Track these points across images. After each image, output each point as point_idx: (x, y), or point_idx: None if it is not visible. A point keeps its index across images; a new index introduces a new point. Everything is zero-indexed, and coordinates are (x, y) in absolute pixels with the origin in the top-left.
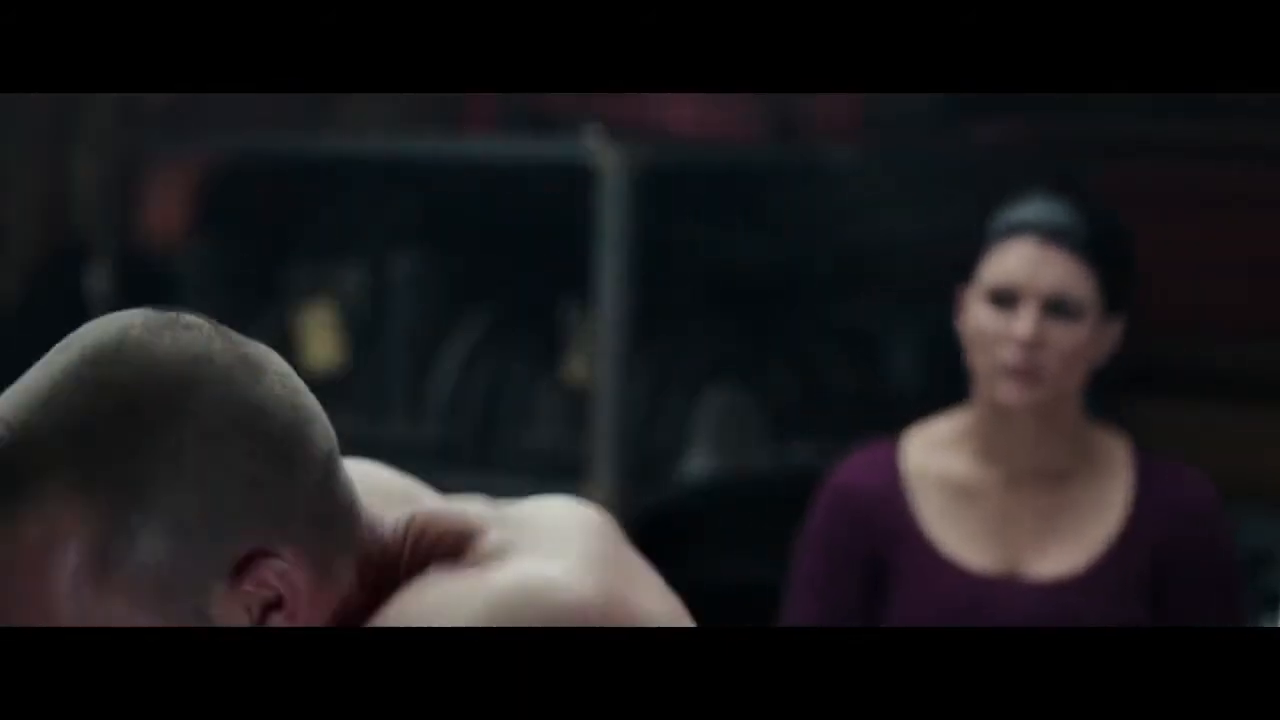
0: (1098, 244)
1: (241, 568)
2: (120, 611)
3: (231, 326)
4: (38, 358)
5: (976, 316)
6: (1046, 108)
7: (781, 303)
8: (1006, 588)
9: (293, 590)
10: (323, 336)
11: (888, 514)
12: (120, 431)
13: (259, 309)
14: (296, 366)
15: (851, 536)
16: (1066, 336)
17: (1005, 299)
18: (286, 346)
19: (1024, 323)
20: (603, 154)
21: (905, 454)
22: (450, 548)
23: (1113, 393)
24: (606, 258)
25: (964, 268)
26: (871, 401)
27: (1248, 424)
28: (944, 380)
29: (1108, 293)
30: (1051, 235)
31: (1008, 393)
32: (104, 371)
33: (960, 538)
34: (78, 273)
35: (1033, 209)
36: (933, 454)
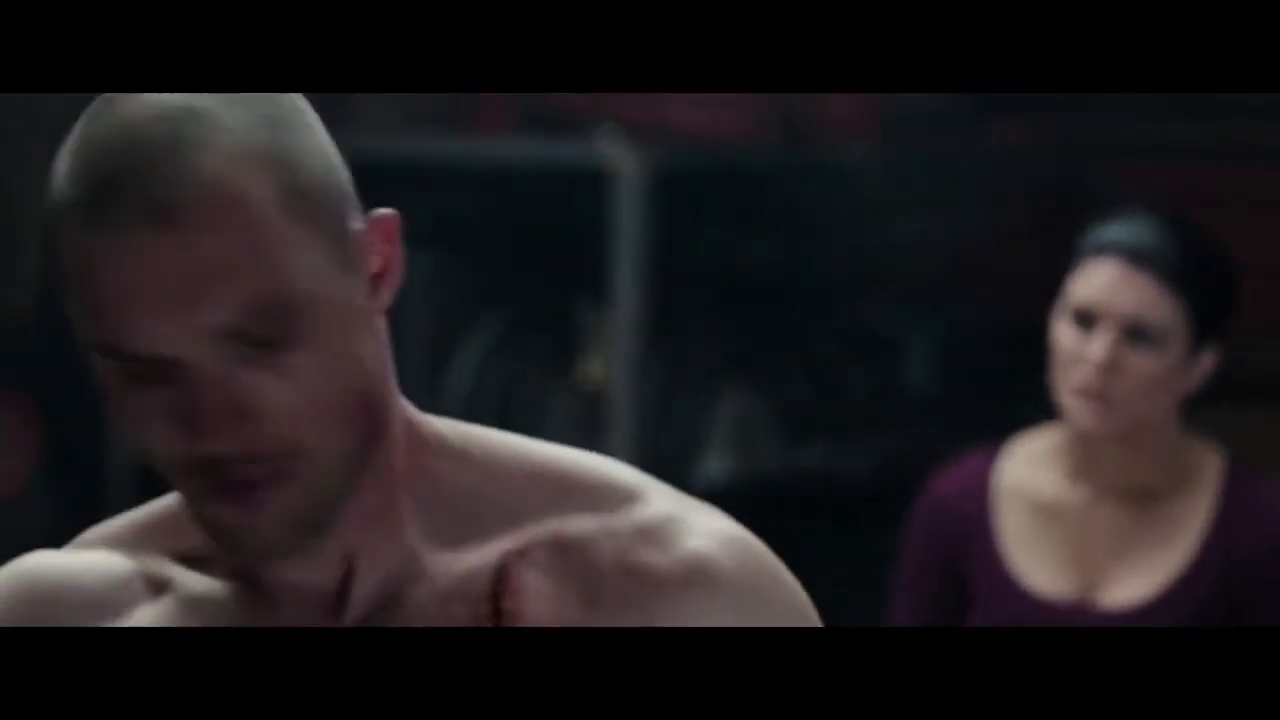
0: (1188, 270)
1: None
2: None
3: None
4: (51, 371)
5: (1059, 335)
6: (1064, 108)
7: (796, 305)
8: (1073, 617)
9: (398, 261)
10: None
11: (969, 530)
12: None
13: None
14: None
15: (932, 549)
16: (1145, 364)
17: (1085, 319)
18: None
19: (1098, 345)
20: (618, 157)
21: (1002, 467)
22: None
23: None
24: (621, 260)
25: (976, 268)
26: (886, 404)
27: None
28: (960, 382)
29: (1197, 322)
30: (1138, 257)
31: (1079, 416)
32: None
33: (1036, 560)
34: None
35: (1123, 228)
36: (1026, 468)
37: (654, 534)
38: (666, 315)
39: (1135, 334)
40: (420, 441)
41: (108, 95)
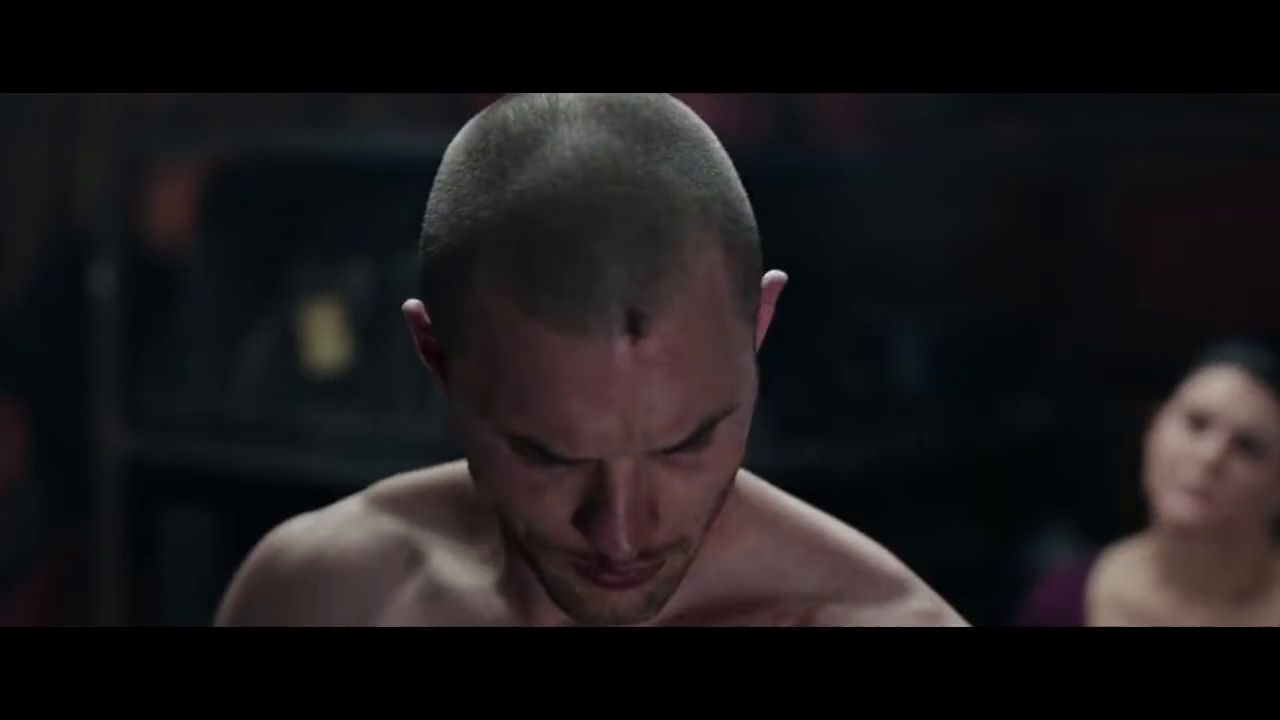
0: None
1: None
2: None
3: (236, 325)
4: (41, 358)
5: (1167, 435)
6: (1057, 107)
7: (790, 302)
8: None
9: (768, 318)
10: (329, 335)
11: None
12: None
13: (264, 308)
14: (302, 365)
15: None
16: (1249, 472)
17: (1199, 422)
18: (292, 345)
19: (1209, 447)
20: None
21: (1098, 576)
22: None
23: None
24: None
25: (969, 266)
26: (879, 401)
27: None
28: (952, 380)
29: None
30: (1259, 373)
31: (1181, 509)
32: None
33: None
34: (81, 272)
35: (1249, 347)
36: (1121, 577)
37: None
38: None
39: (1245, 443)
40: (734, 501)
41: (519, 127)
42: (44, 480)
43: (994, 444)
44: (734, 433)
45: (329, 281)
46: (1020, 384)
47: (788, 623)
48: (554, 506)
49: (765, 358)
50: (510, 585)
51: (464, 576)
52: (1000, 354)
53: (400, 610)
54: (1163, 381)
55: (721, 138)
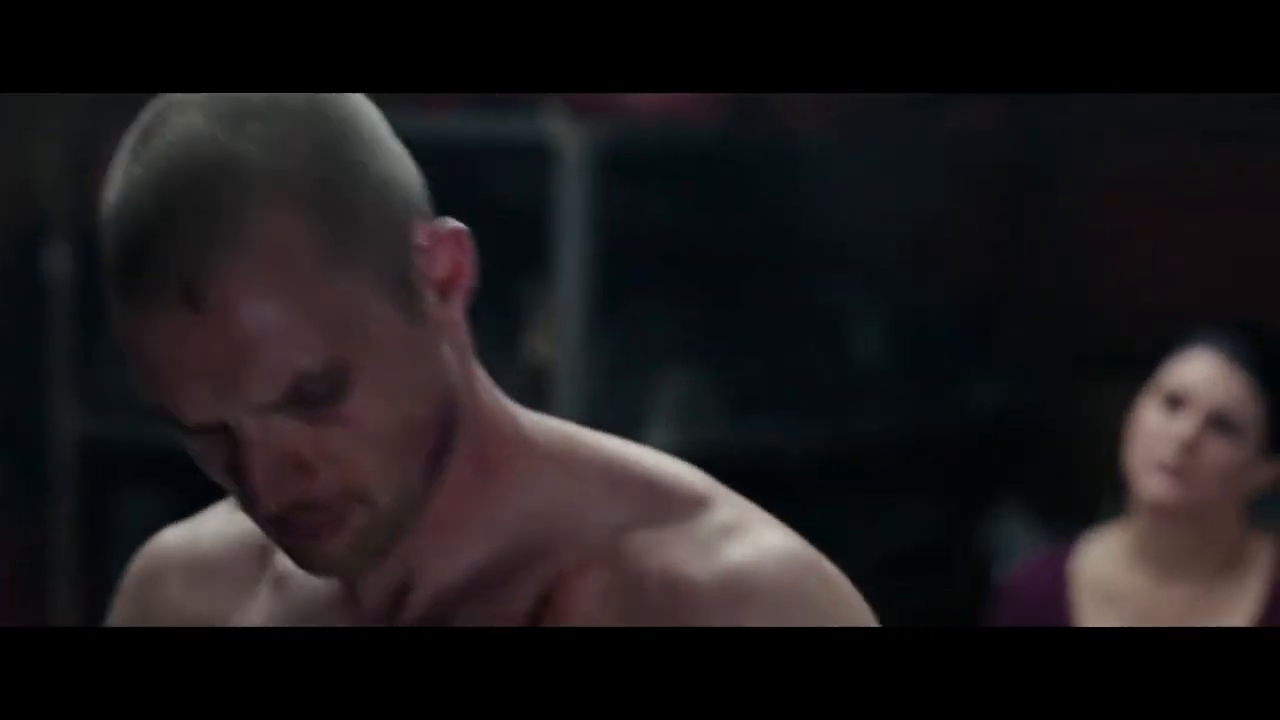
0: (1276, 378)
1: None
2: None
3: None
4: None
5: (1145, 416)
6: (1019, 91)
7: (744, 281)
8: None
9: (468, 265)
10: None
11: (1045, 618)
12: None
13: None
14: None
15: None
16: (1223, 452)
17: (1175, 402)
18: None
19: (1184, 426)
20: (563, 133)
21: (1077, 561)
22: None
23: (1099, 378)
24: (566, 237)
25: (927, 246)
26: (835, 379)
27: None
28: (909, 358)
29: (1272, 426)
30: (1235, 356)
31: (1156, 487)
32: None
33: None
34: (36, 253)
35: (1226, 330)
36: (1099, 560)
37: (704, 543)
38: (613, 291)
39: (1220, 423)
40: (503, 445)
41: (149, 119)
42: (0, 462)
43: (951, 424)
44: (379, 385)
45: None
46: (977, 365)
47: (597, 555)
48: (221, 473)
49: (718, 335)
50: None
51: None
52: (958, 335)
53: (260, 598)
54: (1121, 363)
55: (682, 119)
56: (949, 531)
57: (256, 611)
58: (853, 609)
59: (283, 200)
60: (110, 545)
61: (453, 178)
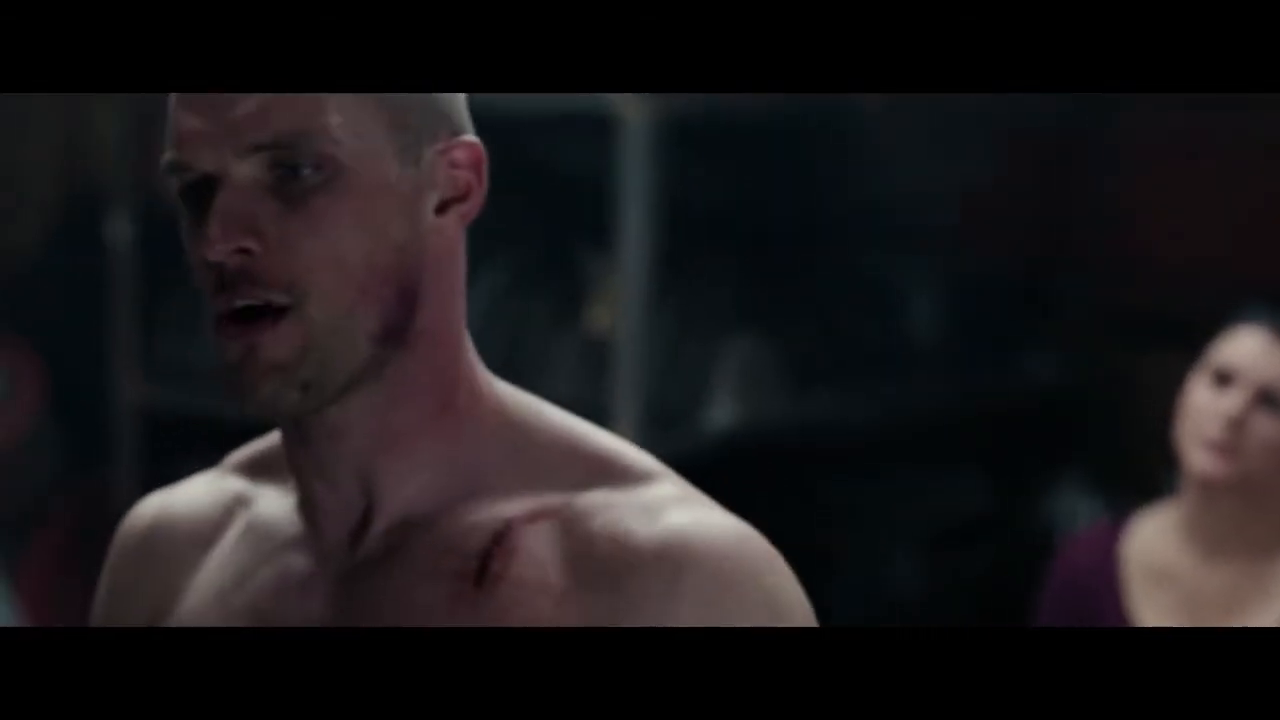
0: None
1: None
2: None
3: None
4: (58, 306)
5: (1194, 393)
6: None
7: (803, 253)
8: None
9: (478, 192)
10: None
11: (1094, 594)
12: None
13: None
14: None
15: (1058, 612)
16: (1271, 429)
17: (1223, 379)
18: None
19: (1233, 401)
20: (625, 103)
21: (1128, 538)
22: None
23: (1154, 349)
24: (628, 207)
25: (984, 217)
26: (893, 352)
27: None
28: (966, 331)
29: None
30: None
31: (1204, 463)
32: None
33: (1151, 620)
34: (98, 223)
35: (1276, 308)
36: (1151, 536)
37: (647, 507)
38: (674, 262)
39: (1267, 399)
40: (470, 393)
41: None
42: (61, 431)
43: (1005, 396)
44: (358, 200)
45: None
46: (1031, 336)
47: (549, 509)
48: (198, 247)
49: (778, 308)
50: (303, 505)
51: (278, 509)
52: (1013, 305)
53: (224, 547)
54: (1174, 334)
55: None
56: (1004, 504)
57: (216, 561)
58: (787, 584)
59: None
60: None
61: (516, 148)
